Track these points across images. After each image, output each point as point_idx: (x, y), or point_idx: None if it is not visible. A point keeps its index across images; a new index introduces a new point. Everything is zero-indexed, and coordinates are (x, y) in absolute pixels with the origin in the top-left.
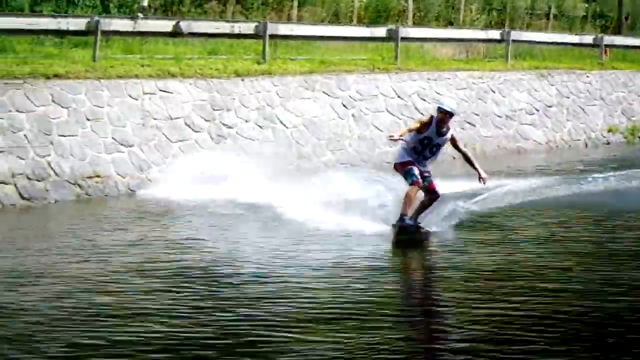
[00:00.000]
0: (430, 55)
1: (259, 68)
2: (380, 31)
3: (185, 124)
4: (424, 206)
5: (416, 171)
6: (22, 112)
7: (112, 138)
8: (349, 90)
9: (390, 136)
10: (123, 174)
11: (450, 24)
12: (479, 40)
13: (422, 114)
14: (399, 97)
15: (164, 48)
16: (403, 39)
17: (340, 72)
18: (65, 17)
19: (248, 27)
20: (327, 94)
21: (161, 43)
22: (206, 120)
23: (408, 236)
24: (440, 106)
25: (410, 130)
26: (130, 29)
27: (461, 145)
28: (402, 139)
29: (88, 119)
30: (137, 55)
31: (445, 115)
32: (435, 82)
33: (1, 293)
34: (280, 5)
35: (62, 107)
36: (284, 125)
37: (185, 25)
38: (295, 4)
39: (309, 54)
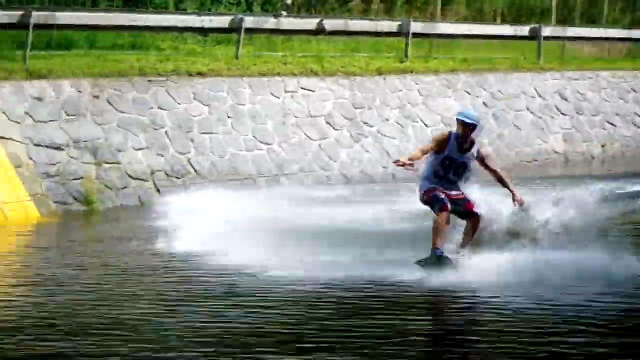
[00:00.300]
0: (573, 54)
1: (401, 66)
2: (524, 30)
3: (326, 122)
4: (468, 234)
5: (441, 195)
6: (164, 109)
7: (253, 136)
8: (490, 89)
9: (396, 161)
10: (262, 172)
11: (593, 22)
12: (621, 39)
13: (563, 114)
14: (540, 96)
15: (307, 46)
16: (546, 37)
17: (481, 71)
18: (209, 14)
19: (391, 25)
20: (468, 92)
21: (304, 40)
22: (346, 119)
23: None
24: (459, 117)
25: (424, 152)
26: (273, 27)
27: (492, 163)
28: (408, 164)
29: (229, 117)
30: (279, 52)
31: (465, 128)
32: (577, 81)
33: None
34: (424, 4)
35: (203, 104)
36: (424, 124)
37: (328, 23)
38: (439, 2)
39: (451, 52)
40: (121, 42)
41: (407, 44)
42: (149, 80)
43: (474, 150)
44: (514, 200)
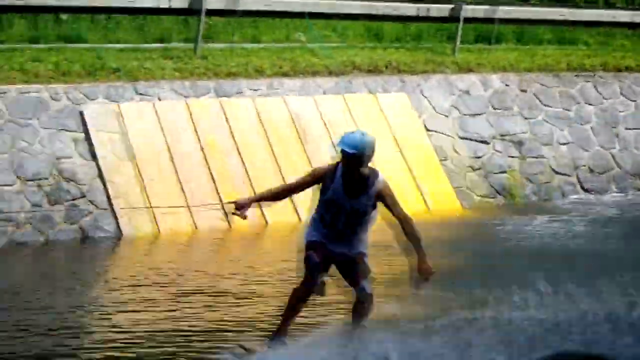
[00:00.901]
0: None
1: None
2: None
3: None
4: (356, 314)
5: (315, 259)
6: (590, 104)
7: None
8: None
9: (236, 207)
10: None
11: None
12: None
13: None
14: None
15: None
16: None
17: None
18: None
19: None
20: None
21: None
22: None
23: None
24: (339, 144)
25: (279, 193)
26: None
27: (397, 208)
28: (240, 215)
29: None
30: None
31: (349, 160)
32: None
33: None
34: None
35: (629, 100)
36: None
37: None
38: None
39: None
40: (548, 37)
41: None
42: (575, 76)
43: (372, 192)
44: (419, 268)
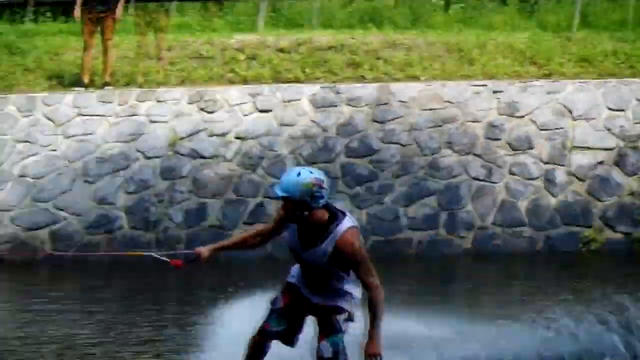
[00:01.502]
0: None
1: None
2: None
3: None
4: None
5: (278, 304)
6: None
7: None
8: None
9: (196, 255)
10: None
11: None
12: None
13: None
14: None
15: None
16: None
17: None
18: None
19: None
20: None
21: None
22: None
23: None
24: (274, 187)
25: (243, 241)
26: None
27: (361, 270)
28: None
29: None
30: None
31: (286, 205)
32: None
33: None
34: None
35: None
36: None
37: None
38: None
39: None
40: None
41: None
42: None
43: (325, 246)
44: (366, 348)
